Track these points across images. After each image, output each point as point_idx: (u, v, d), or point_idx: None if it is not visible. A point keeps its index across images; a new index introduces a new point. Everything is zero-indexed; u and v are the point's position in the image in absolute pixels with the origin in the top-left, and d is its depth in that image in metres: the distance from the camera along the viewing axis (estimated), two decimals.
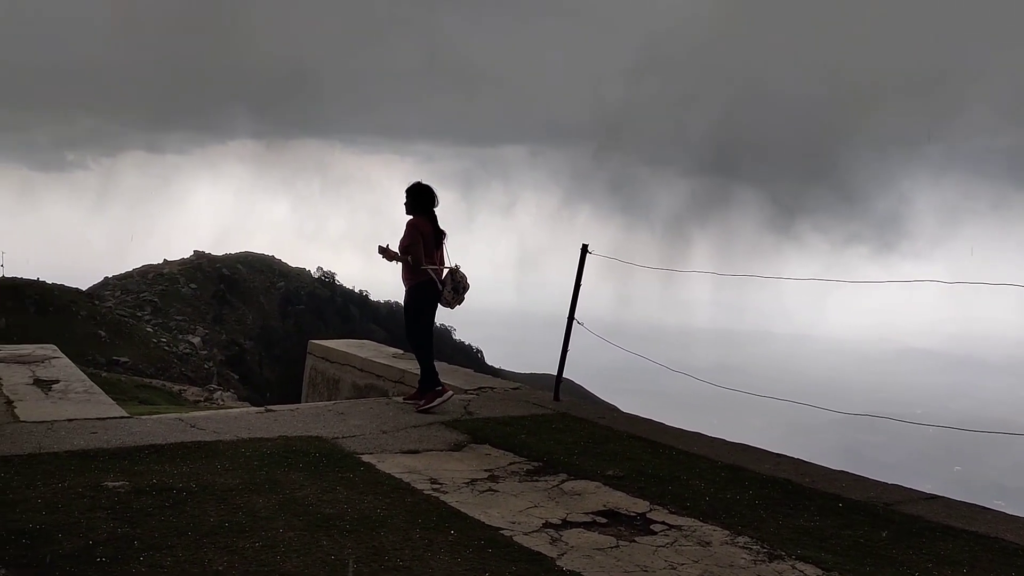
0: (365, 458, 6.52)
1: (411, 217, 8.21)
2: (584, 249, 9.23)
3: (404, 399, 8.67)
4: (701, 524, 5.41)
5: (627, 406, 9.28)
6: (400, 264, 8.25)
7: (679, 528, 5.32)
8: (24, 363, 9.79)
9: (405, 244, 8.14)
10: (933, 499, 6.20)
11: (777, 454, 7.40)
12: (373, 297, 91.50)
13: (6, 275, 58.47)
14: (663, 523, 5.40)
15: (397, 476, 6.09)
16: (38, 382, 8.77)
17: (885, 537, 5.31)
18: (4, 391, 8.20)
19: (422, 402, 8.32)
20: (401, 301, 8.60)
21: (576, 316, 9.30)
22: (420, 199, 8.21)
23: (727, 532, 5.28)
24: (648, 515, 5.54)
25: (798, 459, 7.27)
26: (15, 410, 7.43)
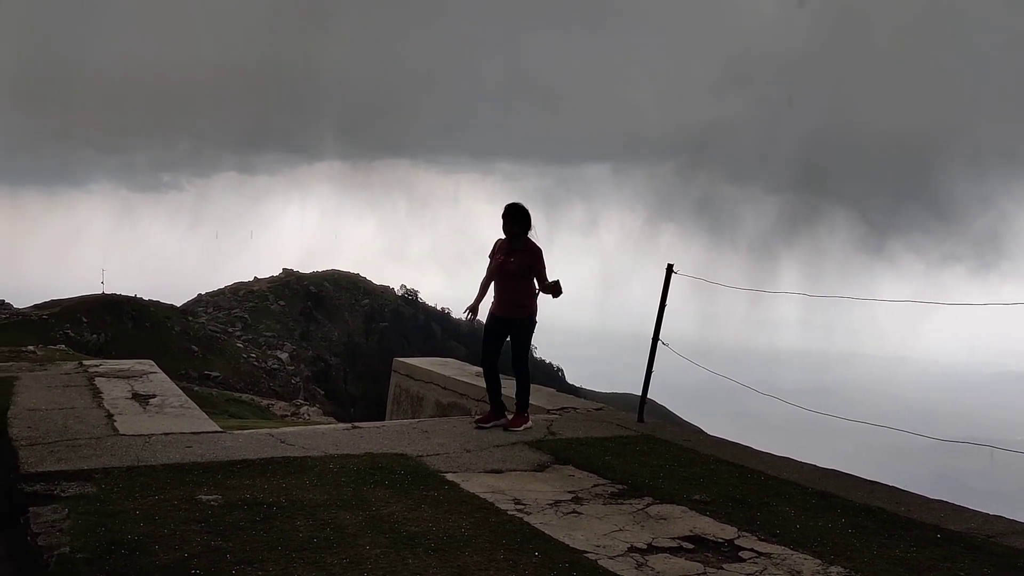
0: (449, 477, 6.55)
1: (530, 240, 8.17)
2: (669, 269, 9.14)
3: (476, 422, 8.46)
4: (792, 552, 5.26)
5: (712, 428, 9.13)
6: (519, 285, 8.22)
7: (768, 556, 5.18)
8: (123, 377, 10.17)
9: (545, 271, 8.13)
10: None
11: (871, 481, 7.16)
12: (455, 315, 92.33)
13: (106, 291, 60.89)
14: (752, 550, 5.27)
15: (481, 496, 6.10)
16: (136, 396, 9.09)
17: (987, 571, 5.08)
18: (105, 405, 8.52)
19: (507, 421, 8.39)
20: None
21: (660, 336, 9.20)
22: (528, 221, 8.18)
23: (819, 561, 5.12)
24: (736, 541, 5.42)
25: (893, 487, 7.02)
26: (115, 423, 7.70)
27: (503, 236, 8.25)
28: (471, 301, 8.36)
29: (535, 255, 8.12)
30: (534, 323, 8.32)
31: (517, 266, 8.11)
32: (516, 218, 8.12)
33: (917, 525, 5.95)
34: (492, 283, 8.31)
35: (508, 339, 8.36)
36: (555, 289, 7.92)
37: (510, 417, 8.40)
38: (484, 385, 8.70)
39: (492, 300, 8.31)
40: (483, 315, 8.41)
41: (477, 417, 8.45)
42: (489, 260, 8.34)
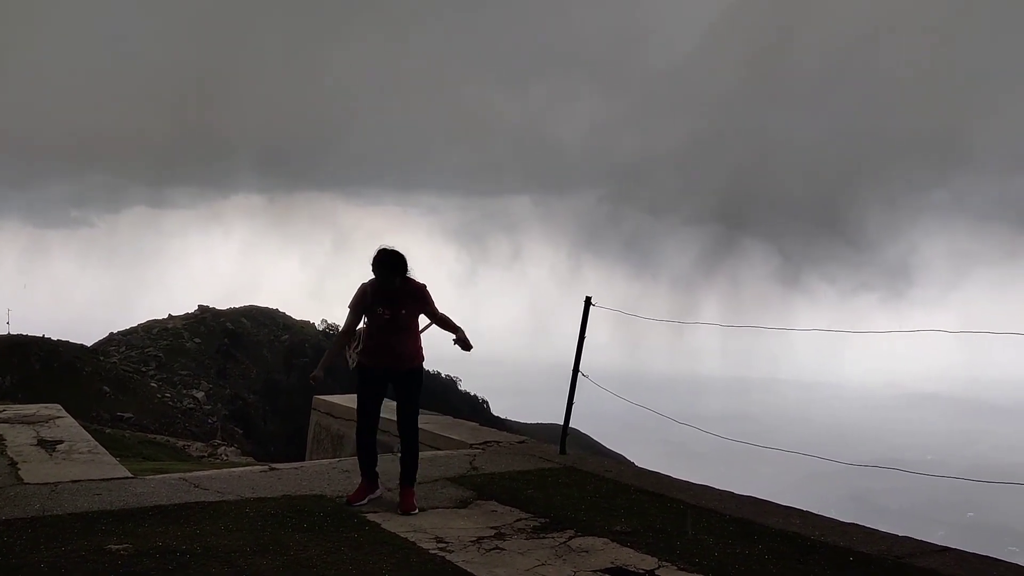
0: (370, 517, 6.46)
1: (411, 280, 6.91)
2: (587, 301, 9.25)
3: (349, 500, 6.87)
4: None
5: (637, 457, 9.25)
6: (411, 334, 7.07)
7: None
8: (29, 423, 9.78)
9: (434, 304, 7.09)
10: (944, 551, 6.12)
11: (786, 507, 7.32)
12: None
13: (12, 332, 58.60)
14: None
15: (402, 535, 6.03)
16: (42, 443, 8.75)
17: None
18: (8, 452, 8.17)
19: (392, 495, 7.00)
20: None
21: (582, 368, 9.29)
22: (406, 264, 6.90)
23: None
24: (657, 572, 5.47)
25: (807, 511, 7.19)
26: (19, 472, 7.40)
27: (370, 282, 6.89)
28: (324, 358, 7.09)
29: (422, 295, 6.97)
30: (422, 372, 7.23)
31: (409, 317, 6.99)
32: (396, 267, 6.78)
33: (831, 549, 6.09)
34: (365, 339, 6.97)
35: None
36: (465, 344, 7.03)
37: (383, 489, 7.11)
38: None
39: (363, 354, 6.97)
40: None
41: (349, 495, 6.91)
42: (352, 311, 6.96)
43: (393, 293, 6.85)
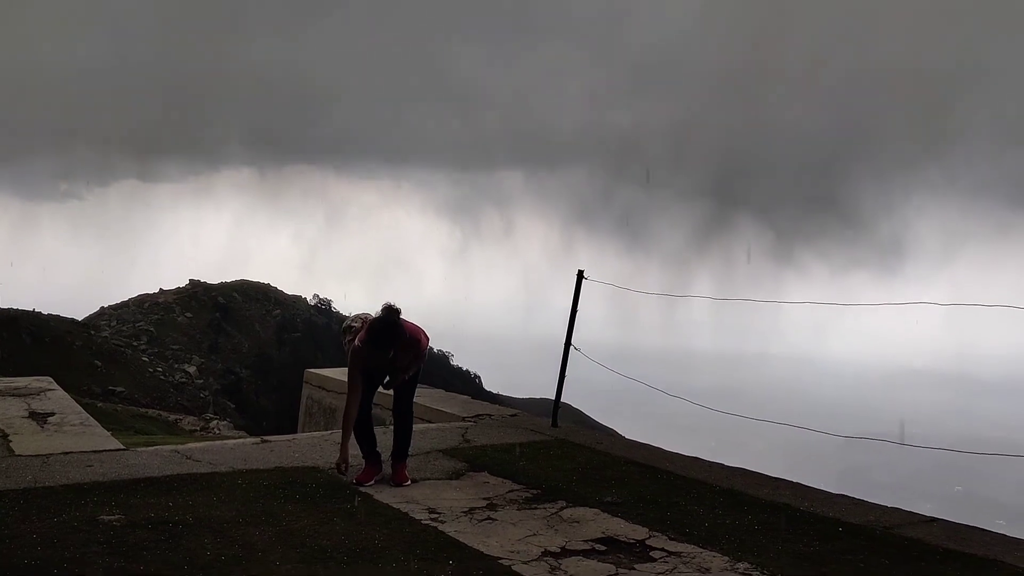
0: (362, 488, 6.49)
1: (405, 331, 6.72)
2: (580, 275, 9.25)
3: (357, 480, 6.70)
4: (701, 551, 5.38)
5: (626, 430, 9.28)
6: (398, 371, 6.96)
7: (678, 555, 5.29)
8: (19, 396, 9.75)
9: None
10: (932, 522, 6.18)
11: (776, 478, 7.38)
12: None
13: (1, 306, 58.35)
14: (662, 550, 5.37)
15: (395, 506, 6.06)
16: (33, 415, 8.73)
17: (885, 561, 5.29)
18: None
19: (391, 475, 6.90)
20: None
21: (574, 342, 9.31)
22: (400, 324, 6.75)
23: (727, 559, 5.25)
24: (647, 542, 5.51)
25: (797, 483, 7.25)
26: (10, 444, 7.39)
27: (365, 346, 6.63)
28: (340, 448, 6.78)
29: (420, 344, 6.91)
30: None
31: (416, 370, 7.04)
32: (394, 336, 6.62)
33: (820, 520, 6.15)
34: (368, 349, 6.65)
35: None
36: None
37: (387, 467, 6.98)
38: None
39: (366, 359, 6.72)
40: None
41: (356, 476, 6.71)
42: (352, 379, 6.76)
43: (393, 355, 6.71)
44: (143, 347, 63.61)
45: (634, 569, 5.02)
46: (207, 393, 59.12)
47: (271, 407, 62.72)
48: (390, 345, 6.62)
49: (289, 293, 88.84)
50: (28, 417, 8.60)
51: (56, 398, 9.81)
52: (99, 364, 53.82)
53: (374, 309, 6.90)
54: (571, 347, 9.29)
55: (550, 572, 4.89)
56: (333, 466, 6.71)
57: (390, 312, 6.67)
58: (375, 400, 7.15)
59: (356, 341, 6.70)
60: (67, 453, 7.13)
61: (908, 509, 6.57)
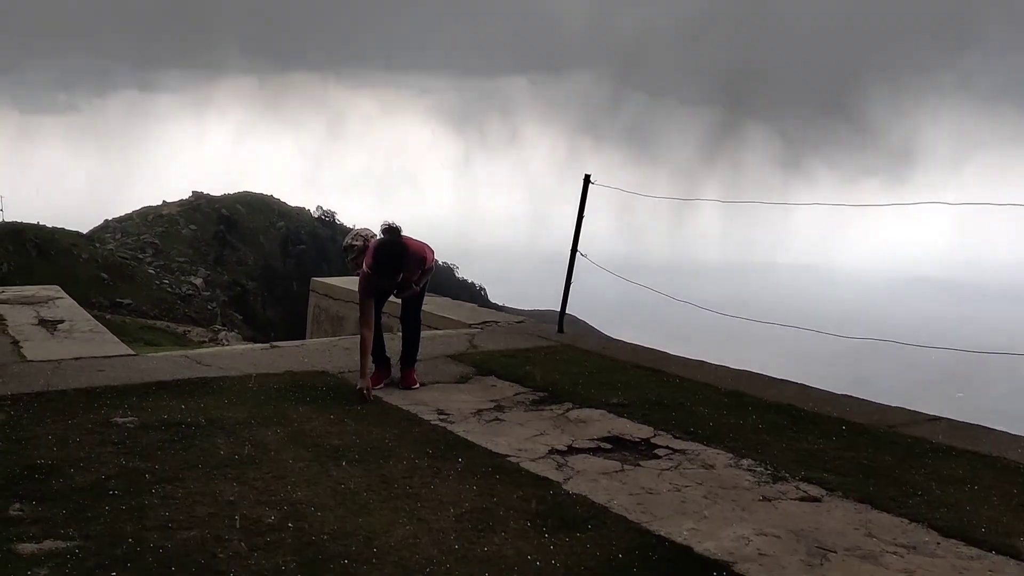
0: (373, 391, 6.55)
1: (408, 247, 6.64)
2: (587, 180, 9.16)
3: (369, 388, 6.48)
4: (705, 448, 5.46)
5: (632, 340, 9.30)
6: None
7: (683, 452, 5.37)
8: (28, 304, 9.80)
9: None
10: (936, 420, 6.25)
11: (781, 380, 7.44)
12: None
13: (6, 219, 58.31)
14: (667, 448, 5.45)
15: (404, 408, 6.14)
16: (43, 322, 8.79)
17: (889, 458, 5.36)
18: (10, 331, 8.21)
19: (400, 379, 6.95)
20: None
21: (580, 249, 9.26)
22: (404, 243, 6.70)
23: (731, 455, 5.33)
24: (652, 440, 5.59)
25: (801, 384, 7.31)
26: (21, 350, 7.45)
27: (373, 268, 6.54)
28: (359, 366, 6.55)
29: (427, 259, 6.88)
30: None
31: (423, 284, 7.04)
32: (401, 259, 6.57)
33: (824, 419, 6.22)
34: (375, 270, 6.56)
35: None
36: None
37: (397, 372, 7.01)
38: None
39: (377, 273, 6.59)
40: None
41: (365, 385, 6.45)
42: (364, 300, 6.67)
43: (400, 273, 6.67)
44: (149, 259, 63.84)
45: (639, 466, 5.10)
46: (214, 305, 59.59)
47: (278, 318, 63.28)
48: (398, 269, 6.60)
49: (292, 205, 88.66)
50: (38, 324, 8.66)
51: (65, 306, 9.86)
52: (106, 277, 54.10)
53: (376, 223, 6.80)
54: (577, 253, 9.25)
55: (557, 469, 4.97)
56: (356, 388, 6.50)
57: (392, 233, 6.60)
58: (384, 308, 7.17)
59: (364, 267, 6.62)
60: (78, 359, 7.19)
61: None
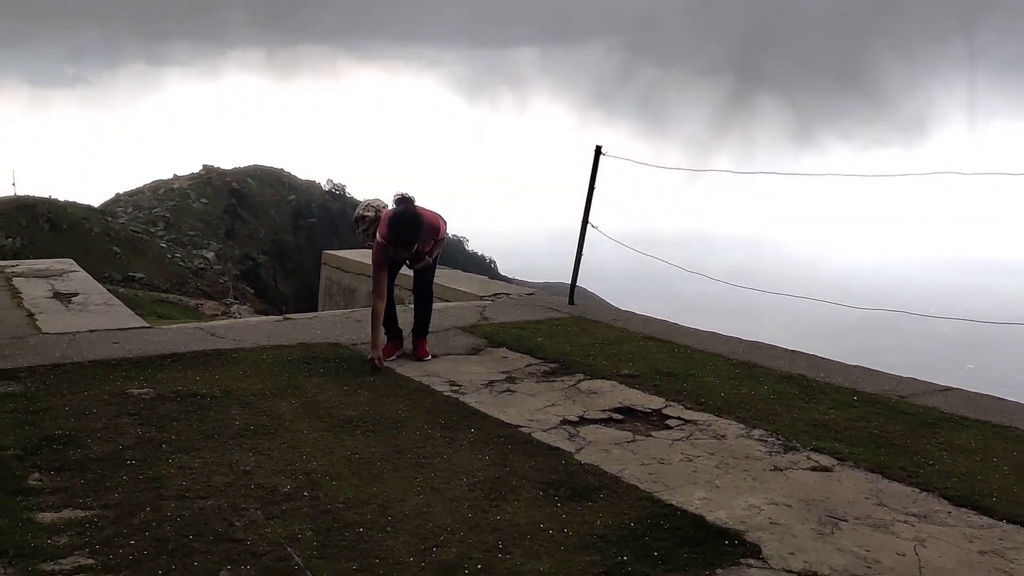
0: (385, 363, 6.59)
1: (422, 218, 6.63)
2: (598, 151, 9.12)
3: (381, 360, 6.50)
4: (716, 418, 5.48)
5: (643, 312, 9.30)
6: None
7: (694, 423, 5.39)
8: (43, 277, 9.88)
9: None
10: (948, 391, 6.25)
11: (792, 351, 7.44)
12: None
13: (18, 193, 58.43)
14: (678, 418, 5.47)
15: (416, 379, 6.17)
16: (58, 295, 8.86)
17: (900, 428, 5.38)
18: (25, 304, 8.29)
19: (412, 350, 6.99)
20: None
21: (591, 221, 9.25)
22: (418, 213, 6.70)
23: (742, 426, 5.35)
24: (664, 411, 5.61)
25: (813, 355, 7.31)
26: (37, 322, 7.52)
27: (387, 238, 6.51)
28: (371, 338, 6.56)
29: (440, 230, 6.88)
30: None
31: (436, 255, 7.03)
32: (416, 229, 6.56)
33: (835, 389, 6.23)
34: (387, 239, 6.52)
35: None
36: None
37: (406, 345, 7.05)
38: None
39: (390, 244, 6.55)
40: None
41: (377, 355, 6.47)
42: (378, 271, 6.65)
43: (415, 245, 6.66)
44: (160, 233, 64.00)
45: (651, 436, 5.13)
46: (226, 279, 59.80)
47: (289, 292, 63.50)
48: (413, 239, 6.58)
49: (303, 178, 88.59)
50: (53, 297, 8.73)
51: (79, 279, 9.94)
52: (118, 250, 54.31)
53: (387, 196, 6.83)
54: (588, 225, 9.24)
55: (569, 439, 5.01)
56: (368, 359, 6.51)
57: (405, 203, 6.60)
58: (395, 281, 7.19)
59: (379, 236, 6.59)
60: (93, 331, 7.26)
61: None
